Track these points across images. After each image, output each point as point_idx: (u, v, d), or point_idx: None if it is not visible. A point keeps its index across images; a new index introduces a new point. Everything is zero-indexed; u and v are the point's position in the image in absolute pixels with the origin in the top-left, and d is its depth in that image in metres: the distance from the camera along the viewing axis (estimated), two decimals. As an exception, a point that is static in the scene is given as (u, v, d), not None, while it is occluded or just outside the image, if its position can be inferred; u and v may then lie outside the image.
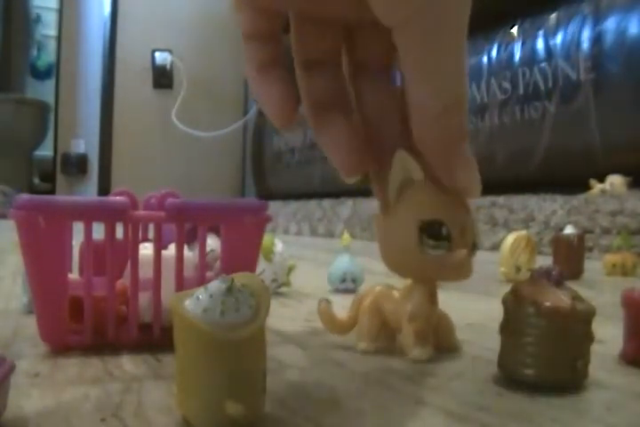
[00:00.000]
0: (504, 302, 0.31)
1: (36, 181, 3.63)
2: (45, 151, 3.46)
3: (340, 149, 0.31)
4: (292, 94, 0.30)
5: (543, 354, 0.29)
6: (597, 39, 1.41)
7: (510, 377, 0.30)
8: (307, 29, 0.31)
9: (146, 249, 0.37)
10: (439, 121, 0.27)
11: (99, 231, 0.35)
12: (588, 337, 0.30)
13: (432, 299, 0.34)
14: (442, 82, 0.26)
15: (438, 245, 0.30)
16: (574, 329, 0.29)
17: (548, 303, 0.29)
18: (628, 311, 0.34)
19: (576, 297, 0.30)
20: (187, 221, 0.37)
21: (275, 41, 0.30)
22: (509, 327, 0.30)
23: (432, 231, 0.30)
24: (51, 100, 3.38)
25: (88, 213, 0.34)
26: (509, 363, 0.30)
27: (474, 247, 0.32)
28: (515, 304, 0.30)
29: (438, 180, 0.30)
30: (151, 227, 0.37)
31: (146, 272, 0.36)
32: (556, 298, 0.29)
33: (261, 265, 0.61)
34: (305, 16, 0.30)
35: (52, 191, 3.17)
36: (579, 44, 1.44)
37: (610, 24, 1.39)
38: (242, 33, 0.30)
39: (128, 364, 0.33)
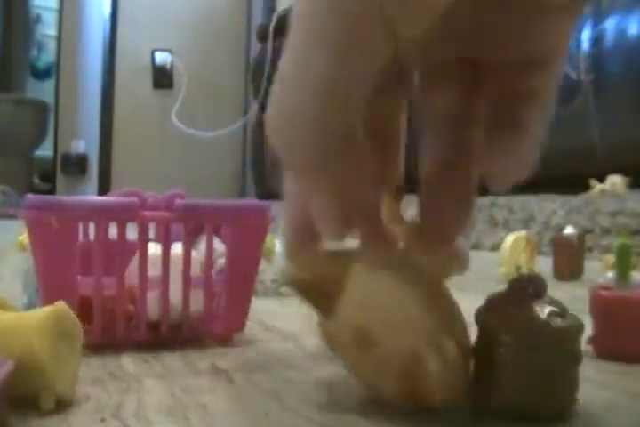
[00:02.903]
0: (477, 319, 0.28)
1: (36, 181, 3.63)
2: (45, 151, 3.46)
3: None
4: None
5: (512, 378, 0.25)
6: (597, 39, 1.40)
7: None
8: None
9: (151, 249, 0.37)
10: None
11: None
12: (573, 357, 0.26)
13: None
14: None
15: None
16: (550, 349, 0.25)
17: (518, 322, 0.26)
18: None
19: (556, 313, 0.26)
20: (194, 222, 0.37)
21: None
22: (482, 349, 0.27)
23: None
24: (51, 100, 3.37)
25: (99, 214, 0.34)
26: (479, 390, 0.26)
27: None
28: (486, 323, 0.27)
29: None
30: (152, 227, 0.38)
31: (151, 271, 0.36)
32: (529, 315, 0.26)
33: (262, 265, 0.61)
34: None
35: (52, 191, 3.16)
36: (579, 44, 1.44)
37: (610, 24, 1.39)
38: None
39: (128, 364, 0.33)
